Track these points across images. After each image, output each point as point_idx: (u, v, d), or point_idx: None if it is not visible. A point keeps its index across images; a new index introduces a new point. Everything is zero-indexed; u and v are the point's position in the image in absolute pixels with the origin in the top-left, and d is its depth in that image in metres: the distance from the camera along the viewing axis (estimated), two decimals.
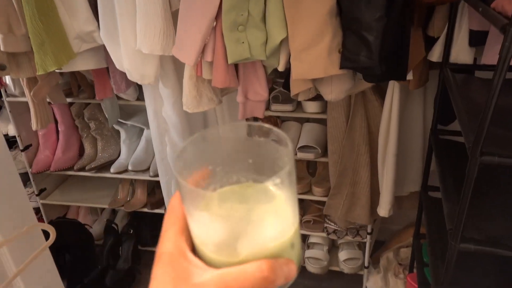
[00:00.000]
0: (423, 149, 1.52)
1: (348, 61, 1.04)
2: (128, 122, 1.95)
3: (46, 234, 0.97)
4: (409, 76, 1.22)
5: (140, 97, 1.72)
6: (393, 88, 1.34)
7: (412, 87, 1.27)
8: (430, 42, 1.23)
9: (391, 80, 1.28)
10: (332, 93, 1.19)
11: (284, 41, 1.11)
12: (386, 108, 1.37)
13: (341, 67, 1.07)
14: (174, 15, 1.18)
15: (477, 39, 1.17)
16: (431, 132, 1.34)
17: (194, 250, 0.33)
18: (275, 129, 0.33)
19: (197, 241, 0.32)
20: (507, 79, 0.81)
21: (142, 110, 1.81)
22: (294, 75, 1.10)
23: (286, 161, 0.31)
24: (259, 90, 1.25)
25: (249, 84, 1.25)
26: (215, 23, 1.11)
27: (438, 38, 1.21)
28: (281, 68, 1.18)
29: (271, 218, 0.31)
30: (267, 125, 0.33)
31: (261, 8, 1.07)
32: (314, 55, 1.06)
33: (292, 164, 0.30)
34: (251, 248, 0.30)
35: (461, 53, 1.20)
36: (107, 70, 1.49)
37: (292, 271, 0.32)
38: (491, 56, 1.17)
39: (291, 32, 1.06)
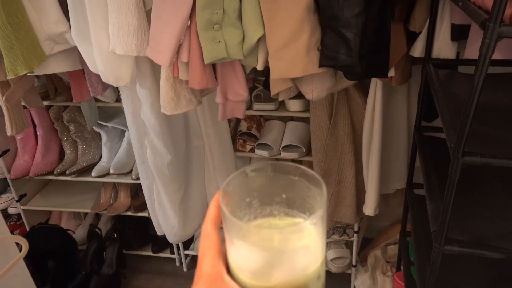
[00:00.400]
0: (407, 146, 1.50)
1: (327, 59, 1.01)
2: (109, 124, 1.90)
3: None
4: (391, 73, 1.19)
5: (119, 98, 1.68)
6: (376, 85, 1.31)
7: (394, 84, 1.25)
8: (411, 37, 1.21)
9: (373, 77, 1.25)
10: (313, 92, 1.16)
11: (262, 39, 1.07)
12: (369, 105, 1.34)
13: (320, 66, 1.03)
14: (149, 14, 1.14)
15: (459, 33, 1.15)
16: (415, 129, 1.31)
17: (229, 272, 0.36)
18: (309, 171, 0.36)
19: (234, 265, 0.36)
20: (491, 74, 0.79)
21: (123, 112, 1.77)
22: (272, 74, 1.07)
23: (319, 201, 0.35)
24: (239, 90, 1.22)
25: (228, 84, 1.21)
26: (189, 22, 1.07)
27: (419, 33, 1.18)
28: (259, 67, 1.14)
29: (303, 250, 0.34)
30: (302, 167, 0.37)
31: (236, 5, 1.04)
32: (292, 53, 1.03)
33: (326, 207, 0.34)
34: (283, 277, 0.34)
35: (444, 48, 1.17)
36: (83, 72, 1.44)
37: None
38: (473, 50, 1.14)
39: (268, 30, 1.03)
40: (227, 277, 0.35)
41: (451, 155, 0.78)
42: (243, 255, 0.35)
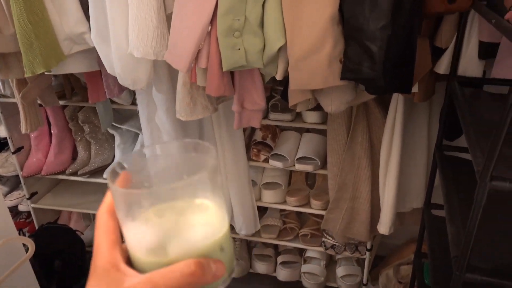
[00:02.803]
0: (426, 164, 1.45)
1: (349, 72, 0.98)
2: (123, 127, 1.89)
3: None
4: (414, 89, 1.15)
5: (135, 101, 1.66)
6: (397, 100, 1.27)
7: (417, 100, 1.21)
8: (437, 53, 1.17)
9: (396, 93, 1.21)
10: (332, 104, 1.13)
11: (283, 48, 1.05)
12: (389, 121, 1.31)
13: (342, 78, 1.00)
14: (169, 18, 1.13)
15: (487, 51, 1.11)
16: (436, 148, 1.27)
17: (129, 261, 0.35)
18: (201, 142, 0.37)
19: (131, 248, 0.35)
20: None
21: (137, 115, 1.76)
22: (292, 85, 1.04)
23: (207, 167, 0.34)
24: (256, 99, 1.19)
25: (246, 93, 1.19)
26: (210, 27, 1.05)
27: (445, 49, 1.15)
28: (279, 77, 1.11)
29: (200, 222, 0.35)
30: (198, 141, 0.37)
31: (259, 13, 1.01)
32: (314, 64, 1.00)
33: (212, 169, 0.34)
34: (180, 249, 0.33)
35: (470, 65, 1.13)
36: (101, 73, 1.43)
37: (220, 270, 0.34)
38: (501, 69, 1.11)
39: (290, 39, 1.00)
40: (123, 266, 0.34)
41: (477, 178, 0.74)
42: (137, 233, 0.35)
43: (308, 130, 1.72)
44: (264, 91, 1.19)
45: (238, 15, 1.00)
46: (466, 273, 0.80)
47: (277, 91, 1.61)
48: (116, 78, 1.28)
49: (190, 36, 1.04)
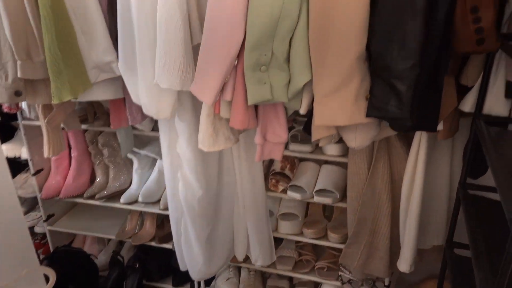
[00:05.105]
0: (448, 201, 1.43)
1: (376, 109, 0.98)
2: (142, 151, 1.90)
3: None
4: (439, 127, 1.15)
5: (155, 127, 1.68)
6: (420, 136, 1.26)
7: (441, 137, 1.20)
8: (462, 91, 1.16)
9: (421, 130, 1.20)
10: (356, 140, 1.12)
11: (308, 83, 1.05)
12: (411, 157, 1.29)
13: (368, 115, 1.00)
14: (195, 49, 1.15)
15: None
16: (460, 186, 1.25)
17: None
18: None
19: None
20: None
21: (157, 139, 1.77)
22: (316, 120, 1.04)
23: None
24: (279, 131, 1.19)
25: (268, 125, 1.19)
26: (236, 61, 1.06)
27: (471, 87, 1.14)
28: (303, 111, 1.12)
29: None
30: None
31: (285, 48, 1.02)
32: (340, 100, 1.00)
33: None
34: None
35: (496, 104, 1.12)
36: (124, 100, 1.45)
37: None
38: None
39: (316, 76, 1.01)
40: None
41: (509, 226, 0.72)
42: None
43: (326, 161, 1.71)
44: (287, 124, 1.19)
45: (265, 50, 1.01)
46: None
47: (298, 122, 1.61)
48: (139, 106, 1.30)
49: (217, 69, 1.05)
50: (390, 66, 0.93)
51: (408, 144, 1.34)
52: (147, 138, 1.96)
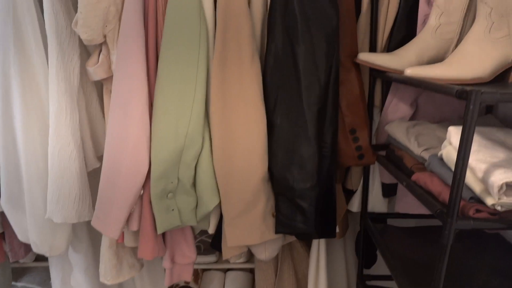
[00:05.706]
0: None
1: (284, 226, 1.04)
2: (19, 284, 1.66)
3: None
4: (337, 229, 1.25)
5: (40, 256, 1.50)
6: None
7: (338, 237, 1.31)
8: (348, 194, 1.31)
9: (324, 238, 1.29)
10: (266, 252, 1.16)
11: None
12: (313, 257, 1.37)
13: (277, 232, 1.05)
14: (90, 176, 1.10)
15: (389, 191, 1.28)
16: (358, 278, 1.35)
17: None
18: None
19: None
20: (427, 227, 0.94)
21: (38, 267, 1.58)
22: (229, 242, 1.05)
23: None
24: (188, 252, 1.17)
25: (176, 247, 1.16)
26: (142, 191, 1.04)
27: (355, 191, 1.29)
28: (211, 230, 1.13)
29: None
30: None
31: (191, 174, 1.04)
32: (249, 221, 1.04)
33: None
34: None
35: (377, 203, 1.29)
36: (2, 235, 1.28)
37: None
38: (402, 206, 1.27)
39: (224, 198, 1.04)
40: None
41: None
42: None
43: (230, 268, 1.70)
44: (194, 244, 1.18)
45: (171, 178, 1.02)
46: None
47: (200, 232, 1.60)
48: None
49: (122, 201, 1.01)
50: (293, 186, 1.01)
51: (307, 243, 1.42)
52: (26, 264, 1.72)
